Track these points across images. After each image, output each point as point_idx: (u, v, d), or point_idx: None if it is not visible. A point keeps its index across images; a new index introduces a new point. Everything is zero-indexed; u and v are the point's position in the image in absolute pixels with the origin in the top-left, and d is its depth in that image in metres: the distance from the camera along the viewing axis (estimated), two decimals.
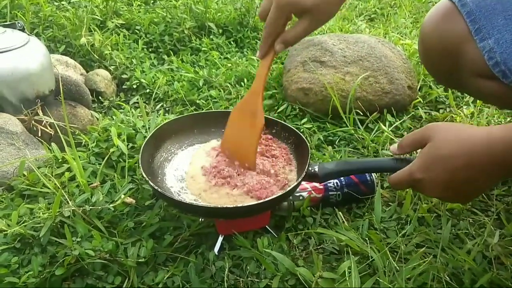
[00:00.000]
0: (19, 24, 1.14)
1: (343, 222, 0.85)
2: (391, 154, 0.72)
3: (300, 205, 0.87)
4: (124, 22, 1.70)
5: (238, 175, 0.83)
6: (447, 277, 0.72)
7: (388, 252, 0.73)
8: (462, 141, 0.58)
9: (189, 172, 0.86)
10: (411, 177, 0.63)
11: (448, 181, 0.60)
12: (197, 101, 1.32)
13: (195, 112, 0.94)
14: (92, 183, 0.87)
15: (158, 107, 1.33)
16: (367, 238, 0.78)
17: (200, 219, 0.83)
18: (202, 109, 1.27)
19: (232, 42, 1.72)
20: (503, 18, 0.72)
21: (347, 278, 0.68)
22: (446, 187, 0.61)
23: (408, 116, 1.22)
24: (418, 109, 1.26)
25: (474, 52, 0.75)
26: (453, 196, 0.64)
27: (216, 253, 0.78)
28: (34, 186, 0.88)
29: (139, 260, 0.74)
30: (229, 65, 1.51)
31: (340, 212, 0.87)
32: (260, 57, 0.78)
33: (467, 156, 0.57)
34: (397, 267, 0.71)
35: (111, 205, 0.81)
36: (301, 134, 0.88)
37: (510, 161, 0.55)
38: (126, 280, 0.72)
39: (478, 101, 1.24)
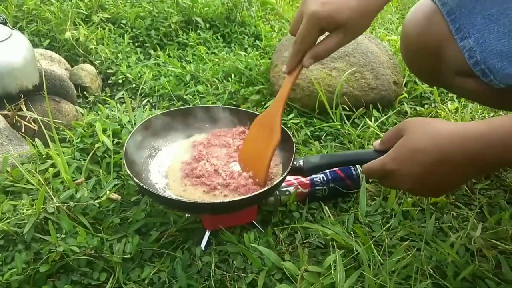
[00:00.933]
0: (1, 18, 1.11)
1: (329, 216, 0.85)
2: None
3: (287, 200, 0.87)
4: (109, 16, 1.68)
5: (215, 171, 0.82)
6: (430, 270, 0.73)
7: (372, 246, 0.73)
8: (435, 135, 0.58)
9: (170, 169, 0.85)
10: (383, 167, 0.63)
11: (418, 174, 0.60)
12: (184, 96, 1.31)
13: (178, 108, 0.93)
14: (76, 179, 0.86)
15: (144, 102, 1.32)
16: (352, 232, 0.79)
17: (187, 215, 0.83)
18: (189, 104, 1.27)
19: (219, 37, 1.71)
20: (482, 17, 0.73)
21: (332, 272, 0.68)
22: (416, 180, 0.61)
23: (394, 112, 1.23)
24: (403, 104, 1.27)
25: (455, 51, 0.76)
26: (423, 189, 0.64)
27: (203, 249, 0.78)
28: (17, 182, 0.87)
29: (125, 256, 0.74)
30: (217, 60, 1.51)
31: (326, 207, 0.87)
32: (287, 72, 0.76)
33: (439, 151, 0.57)
34: (382, 260, 0.71)
35: (96, 201, 0.80)
36: (285, 128, 0.88)
37: (484, 158, 0.55)
38: (112, 277, 0.72)
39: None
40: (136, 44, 1.63)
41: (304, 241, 0.81)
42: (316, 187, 0.90)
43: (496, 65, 0.72)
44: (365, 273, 0.68)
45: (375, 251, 0.72)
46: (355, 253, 0.74)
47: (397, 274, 0.70)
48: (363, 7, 0.68)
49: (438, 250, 0.77)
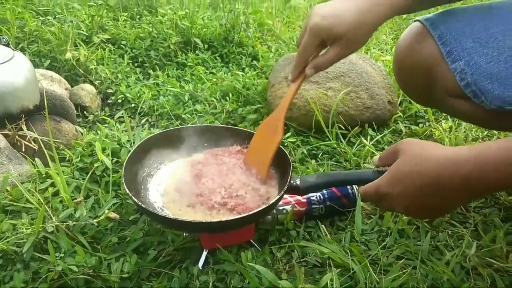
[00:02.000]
0: (3, 39, 1.14)
1: (326, 235, 0.86)
2: (374, 165, 0.74)
3: (284, 219, 0.88)
4: (109, 37, 1.71)
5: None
6: None
7: (368, 264, 0.74)
8: (428, 160, 0.59)
9: (168, 188, 0.87)
10: (378, 190, 0.64)
11: (412, 197, 0.61)
12: (183, 116, 1.33)
13: (176, 127, 0.95)
14: (76, 199, 0.87)
15: (143, 121, 1.34)
16: (348, 251, 0.80)
17: (185, 234, 0.84)
18: (188, 123, 1.29)
19: (217, 57, 1.74)
20: (472, 41, 0.75)
21: None
22: (410, 203, 0.62)
23: (389, 130, 1.25)
24: (398, 123, 1.30)
25: (446, 73, 0.79)
26: (418, 212, 0.65)
27: (201, 268, 0.78)
28: (17, 202, 0.87)
29: (123, 276, 0.74)
30: (215, 80, 1.53)
31: (323, 225, 0.88)
32: (291, 81, 0.81)
33: (432, 176, 0.58)
34: (378, 279, 0.72)
35: (95, 220, 0.81)
36: (281, 147, 0.90)
37: (477, 182, 0.56)
38: None
39: None
40: (136, 64, 1.65)
41: (301, 260, 0.82)
42: (313, 206, 0.91)
43: (486, 86, 0.74)
44: None
45: (371, 269, 0.73)
46: (352, 272, 0.74)
47: None
48: (358, 22, 0.72)
49: (433, 268, 0.78)
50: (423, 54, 0.82)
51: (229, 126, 1.00)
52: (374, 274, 0.72)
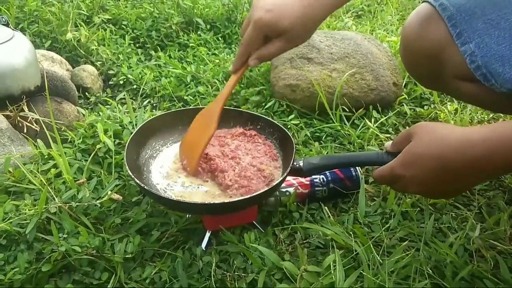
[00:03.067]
0: (3, 19, 1.12)
1: (329, 217, 0.86)
2: (382, 149, 0.73)
3: (287, 201, 0.88)
4: (110, 18, 1.69)
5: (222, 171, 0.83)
6: (429, 270, 0.73)
7: (372, 246, 0.74)
8: (440, 142, 0.59)
9: (171, 170, 0.86)
10: (392, 173, 0.64)
11: (425, 179, 0.61)
12: (185, 97, 1.31)
13: (178, 109, 0.94)
14: (78, 180, 0.87)
15: (145, 103, 1.33)
16: (351, 232, 0.80)
17: (187, 215, 0.84)
18: (190, 105, 1.27)
19: (220, 38, 1.72)
20: (483, 22, 0.73)
21: (331, 272, 0.69)
22: (423, 184, 0.62)
23: (394, 113, 1.23)
24: (403, 105, 1.28)
25: (456, 56, 0.77)
26: (431, 193, 0.66)
27: (204, 249, 0.78)
28: (20, 183, 0.87)
29: (126, 256, 0.74)
30: (217, 61, 1.51)
31: (326, 207, 0.88)
32: (233, 71, 0.80)
33: (443, 158, 0.58)
34: (381, 261, 0.72)
35: (98, 201, 0.81)
36: (285, 129, 0.89)
37: (489, 163, 0.56)
38: (113, 276, 0.72)
39: None
40: (137, 45, 1.64)
41: (304, 241, 0.82)
42: (316, 188, 0.90)
43: (497, 69, 0.72)
44: (364, 273, 0.68)
45: (374, 251, 0.73)
46: (355, 253, 0.74)
47: (396, 274, 0.71)
48: (301, 17, 0.71)
49: (437, 250, 0.77)
50: (432, 37, 0.80)
51: (232, 108, 0.99)
52: (377, 256, 0.72)
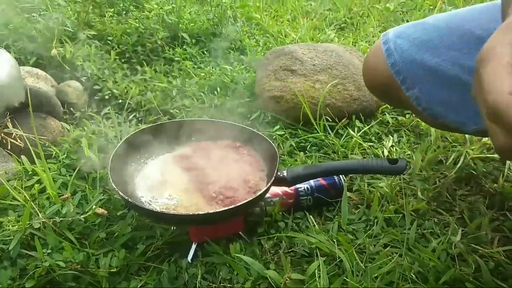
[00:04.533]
0: None
1: (314, 225, 0.87)
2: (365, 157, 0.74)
3: (272, 210, 0.89)
4: (96, 33, 1.69)
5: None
6: (413, 275, 0.74)
7: (355, 253, 0.75)
8: None
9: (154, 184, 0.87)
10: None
11: None
12: (171, 111, 1.32)
13: (163, 122, 0.94)
14: (63, 195, 0.86)
15: (130, 117, 1.33)
16: (335, 240, 0.81)
17: (173, 228, 0.84)
18: (176, 118, 1.28)
19: (205, 52, 1.73)
20: (422, 69, 0.76)
21: (316, 279, 0.69)
22: None
23: (376, 122, 1.26)
24: (385, 114, 1.30)
25: (405, 96, 0.80)
26: None
27: (189, 261, 0.79)
28: (3, 199, 0.87)
29: (111, 270, 0.74)
30: (203, 74, 1.53)
31: (311, 216, 0.89)
32: None
33: None
34: (365, 267, 0.73)
35: (82, 216, 0.81)
36: (268, 139, 0.90)
37: None
38: None
39: None
40: (123, 60, 1.64)
41: (289, 250, 0.82)
42: (301, 197, 0.91)
43: (442, 112, 0.76)
44: (348, 280, 0.69)
45: (357, 257, 0.74)
46: (338, 260, 0.75)
47: (380, 280, 0.72)
48: None
49: (420, 255, 0.79)
50: (382, 77, 0.83)
51: (216, 120, 1.00)
52: (360, 262, 0.73)
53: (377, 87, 0.88)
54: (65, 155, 0.99)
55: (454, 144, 1.13)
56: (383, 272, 0.73)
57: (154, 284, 0.74)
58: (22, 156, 0.95)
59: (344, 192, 0.87)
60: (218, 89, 1.42)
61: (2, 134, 1.01)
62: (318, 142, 1.17)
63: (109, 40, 1.69)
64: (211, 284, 0.75)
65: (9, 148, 0.99)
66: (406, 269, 0.75)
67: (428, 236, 0.85)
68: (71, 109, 1.33)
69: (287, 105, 1.23)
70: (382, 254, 0.76)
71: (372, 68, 0.86)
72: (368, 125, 1.23)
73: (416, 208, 0.92)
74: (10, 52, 1.20)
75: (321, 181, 0.93)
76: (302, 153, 1.13)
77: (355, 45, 1.77)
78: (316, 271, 0.71)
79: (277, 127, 1.22)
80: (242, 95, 1.38)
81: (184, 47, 1.72)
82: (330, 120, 1.21)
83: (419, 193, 0.95)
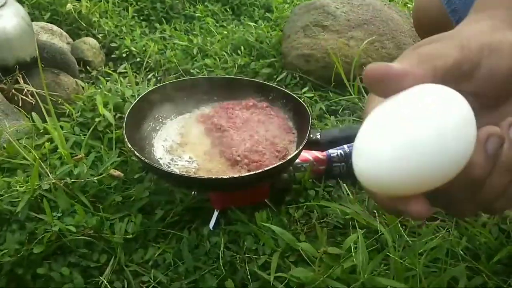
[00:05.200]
0: None
1: (348, 195, 0.78)
2: None
3: (302, 177, 0.81)
4: None
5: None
6: (461, 252, 0.66)
7: (399, 225, 0.66)
8: None
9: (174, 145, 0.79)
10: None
11: None
12: (191, 70, 1.24)
13: (182, 79, 0.85)
14: (75, 155, 0.80)
15: (149, 76, 1.25)
16: (374, 211, 0.72)
17: (193, 193, 0.77)
18: None
19: (228, 9, 1.62)
20: None
21: (353, 254, 0.62)
22: None
23: None
24: None
25: None
26: None
27: (211, 228, 0.72)
28: (13, 159, 0.81)
29: (127, 237, 0.68)
30: (225, 33, 1.43)
31: (344, 185, 0.80)
32: None
33: None
34: (409, 241, 0.65)
35: (97, 178, 0.74)
36: (299, 99, 0.81)
37: None
38: (113, 258, 0.66)
39: None
40: (141, 18, 1.55)
41: (321, 221, 0.74)
42: (334, 164, 0.83)
43: None
44: (390, 255, 0.61)
45: (402, 231, 0.66)
46: (379, 234, 0.67)
47: (425, 257, 0.64)
48: None
49: (467, 229, 0.70)
50: (434, 15, 0.71)
51: (241, 77, 0.91)
52: (405, 236, 0.65)
53: (427, 28, 0.76)
54: (79, 113, 0.92)
55: None
56: (428, 247, 0.64)
57: (173, 253, 0.68)
58: (33, 113, 0.89)
59: None
60: (242, 48, 1.32)
61: (13, 90, 0.94)
62: (351, 105, 1.07)
63: None
64: (234, 254, 0.68)
65: (20, 105, 0.93)
66: (454, 245, 0.66)
67: None
68: (87, 67, 1.26)
69: (317, 65, 1.13)
70: (430, 227, 0.68)
71: (425, 4, 0.75)
72: None
73: None
74: (23, 7, 1.12)
75: None
76: (333, 117, 1.03)
77: (391, 0, 1.63)
78: (353, 244, 0.63)
79: (306, 88, 1.12)
80: (268, 54, 1.28)
81: (205, 3, 1.62)
82: None
83: None
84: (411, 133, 0.26)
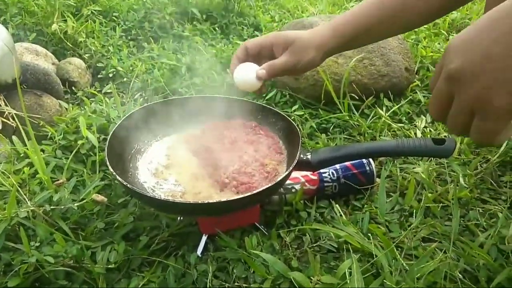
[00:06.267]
0: None
1: (341, 216, 0.76)
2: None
3: (293, 199, 0.78)
4: (100, 9, 1.59)
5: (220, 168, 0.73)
6: (459, 275, 0.63)
7: (395, 249, 0.64)
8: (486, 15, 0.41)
9: (169, 164, 0.76)
10: (446, 68, 0.42)
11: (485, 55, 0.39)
12: (179, 89, 1.22)
13: (168, 98, 0.83)
14: (57, 180, 0.77)
15: (136, 96, 1.23)
16: (368, 233, 0.69)
17: (179, 218, 0.74)
18: None
19: (217, 28, 1.62)
20: None
21: (348, 281, 0.58)
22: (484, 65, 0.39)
23: (406, 100, 1.13)
24: (416, 92, 1.18)
25: None
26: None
27: (199, 255, 0.69)
28: None
29: (109, 266, 0.64)
30: (214, 51, 1.41)
31: (337, 205, 0.78)
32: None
33: (486, 20, 0.40)
34: (405, 265, 0.62)
35: (78, 203, 0.71)
36: (288, 117, 0.79)
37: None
38: None
39: None
40: (129, 37, 1.54)
41: (314, 245, 0.71)
42: (325, 184, 0.80)
43: None
44: (387, 282, 0.58)
45: (397, 255, 0.63)
46: (374, 258, 0.64)
47: (423, 281, 0.61)
48: (309, 37, 0.72)
49: (464, 251, 0.67)
50: None
51: (229, 97, 0.89)
52: (401, 260, 0.62)
53: None
54: (62, 135, 0.89)
55: None
56: (425, 271, 0.62)
57: (159, 282, 0.64)
58: (13, 137, 0.85)
59: (382, 176, 0.74)
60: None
61: None
62: (342, 123, 1.06)
63: (114, 16, 1.59)
64: (223, 283, 0.64)
65: (0, 128, 0.90)
66: (451, 268, 0.63)
67: (472, 228, 0.74)
68: (73, 88, 1.24)
69: (306, 83, 1.11)
70: (425, 251, 0.65)
71: None
72: (397, 104, 1.10)
73: (458, 196, 0.81)
74: (8, 28, 1.10)
75: (349, 165, 0.82)
76: (323, 135, 1.01)
77: None
78: (347, 270, 0.60)
79: (296, 106, 1.10)
80: None
81: (194, 23, 1.61)
82: (356, 98, 1.09)
83: (461, 180, 0.83)
84: None
